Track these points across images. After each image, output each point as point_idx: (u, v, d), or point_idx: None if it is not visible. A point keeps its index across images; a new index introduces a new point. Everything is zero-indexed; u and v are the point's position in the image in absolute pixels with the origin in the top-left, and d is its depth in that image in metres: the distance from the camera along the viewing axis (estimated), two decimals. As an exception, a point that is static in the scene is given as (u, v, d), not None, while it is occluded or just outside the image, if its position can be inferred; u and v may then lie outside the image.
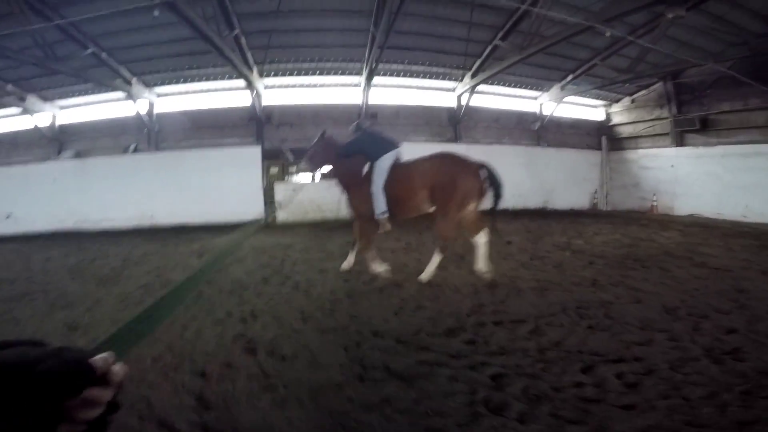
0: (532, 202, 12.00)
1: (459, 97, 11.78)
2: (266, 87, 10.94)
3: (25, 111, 10.75)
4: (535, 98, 12.88)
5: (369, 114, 11.19)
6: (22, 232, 10.91)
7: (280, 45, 9.38)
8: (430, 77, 11.44)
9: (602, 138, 13.57)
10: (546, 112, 12.96)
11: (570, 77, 11.58)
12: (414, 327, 3.19)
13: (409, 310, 3.54)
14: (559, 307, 3.53)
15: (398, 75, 11.22)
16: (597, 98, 13.30)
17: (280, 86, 11.22)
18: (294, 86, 11.32)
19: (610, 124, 13.76)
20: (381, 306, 3.62)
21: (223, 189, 10.13)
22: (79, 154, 11.23)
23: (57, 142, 11.41)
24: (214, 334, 3.11)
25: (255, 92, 10.35)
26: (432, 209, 4.30)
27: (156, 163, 10.61)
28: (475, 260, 4.37)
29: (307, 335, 3.06)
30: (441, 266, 4.66)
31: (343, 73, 10.96)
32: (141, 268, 5.57)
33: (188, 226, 9.95)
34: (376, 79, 10.87)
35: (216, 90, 11.11)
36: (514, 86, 12.28)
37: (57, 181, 10.89)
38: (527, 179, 11.98)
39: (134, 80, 10.09)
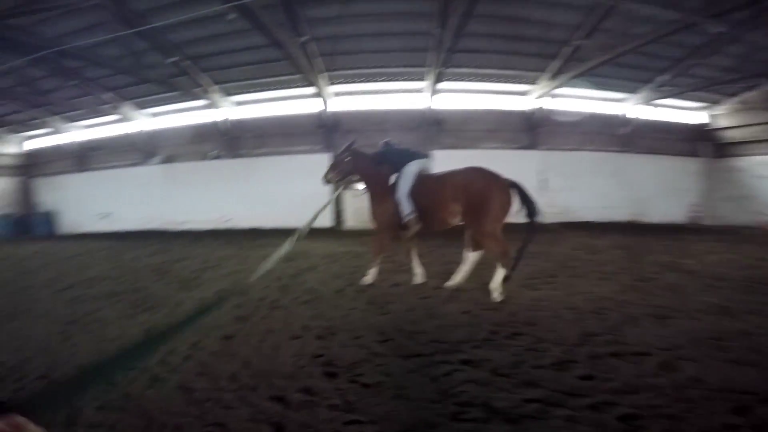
0: (620, 214, 10.78)
1: (535, 100, 10.98)
2: (333, 94, 11.06)
3: (121, 118, 11.88)
4: (621, 101, 11.66)
5: (434, 120, 10.82)
6: (116, 230, 12.10)
7: (345, 51, 9.42)
8: (502, 81, 10.81)
9: (702, 144, 11.89)
10: (634, 115, 11.66)
11: (662, 77, 10.33)
12: (513, 356, 2.73)
13: (503, 337, 3.08)
14: (687, 338, 2.94)
15: (466, 79, 10.74)
16: (694, 100, 11.70)
17: (346, 93, 11.30)
18: (360, 93, 11.34)
19: (712, 128, 12.03)
20: (469, 330, 3.20)
21: (293, 195, 10.36)
22: (165, 160, 12.21)
23: (147, 148, 12.50)
24: (292, 351, 2.90)
25: (323, 99, 10.48)
26: (460, 222, 4.20)
27: (233, 169, 11.19)
28: (458, 272, 4.33)
29: (389, 360, 2.75)
30: (533, 286, 4.32)
31: (407, 79, 10.74)
32: (218, 272, 5.70)
33: (261, 230, 10.29)
34: (443, 84, 10.50)
35: (287, 98, 11.47)
36: (597, 88, 11.20)
37: (146, 184, 11.93)
38: (614, 189, 10.80)
39: (214, 89, 10.73)
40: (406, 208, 4.18)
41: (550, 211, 10.51)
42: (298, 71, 8.77)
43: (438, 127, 10.87)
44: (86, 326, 3.66)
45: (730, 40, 8.04)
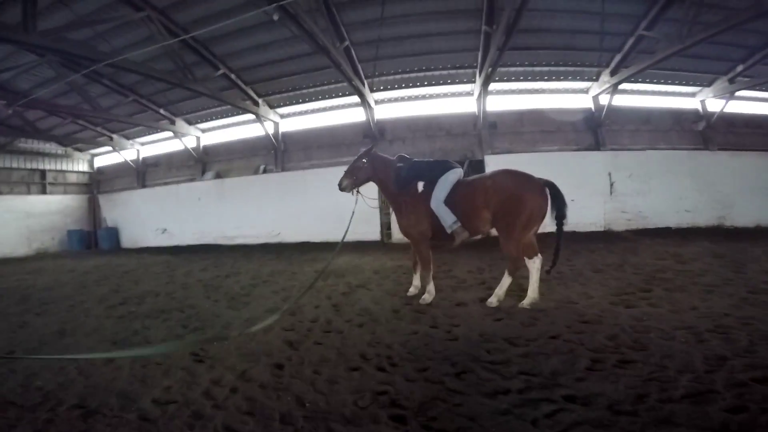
0: (704, 218, 9.44)
1: (596, 97, 10.05)
2: (377, 102, 10.81)
3: (176, 134, 12.37)
4: (694, 94, 10.42)
5: (487, 123, 10.18)
6: (174, 244, 12.51)
7: (387, 55, 9.13)
8: (559, 78, 10.03)
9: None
10: (712, 109, 10.36)
11: (740, 67, 9.13)
12: (630, 389, 2.17)
13: (611, 365, 2.47)
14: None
15: (519, 79, 10.08)
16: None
17: (390, 100, 11.01)
18: (404, 99, 10.99)
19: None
20: (565, 358, 2.60)
21: (340, 207, 10.06)
22: (218, 175, 12.52)
23: (201, 163, 12.94)
24: (351, 386, 2.47)
25: (368, 107, 10.23)
26: (492, 229, 4.05)
27: (282, 182, 11.19)
28: (530, 287, 3.86)
29: (469, 399, 2.23)
30: (627, 302, 3.75)
31: (453, 82, 10.27)
32: (268, 288, 5.48)
33: (310, 244, 10.13)
34: (493, 85, 9.88)
35: (332, 108, 11.39)
36: (666, 82, 10.13)
37: (201, 199, 12.25)
38: (694, 191, 9.50)
39: (260, 101, 10.88)
40: (449, 217, 3.93)
41: (621, 216, 9.53)
42: (342, 79, 8.58)
43: (491, 131, 10.22)
44: (133, 346, 3.51)
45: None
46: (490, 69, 8.53)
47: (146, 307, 4.87)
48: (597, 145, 10.06)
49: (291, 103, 11.28)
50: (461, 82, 10.18)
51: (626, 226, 9.47)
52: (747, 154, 10.12)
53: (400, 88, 10.51)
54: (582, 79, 10.00)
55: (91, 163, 15.38)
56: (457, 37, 8.70)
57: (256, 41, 8.72)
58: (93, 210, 14.68)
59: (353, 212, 4.60)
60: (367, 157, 4.45)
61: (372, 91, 10.26)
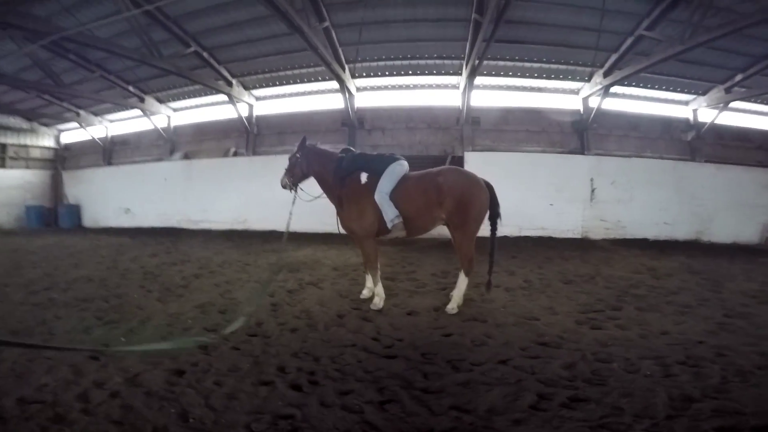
0: (682, 232, 9.24)
1: (586, 99, 9.70)
2: (359, 89, 10.27)
3: (144, 112, 11.69)
4: (687, 102, 10.17)
5: (470, 118, 9.77)
6: (136, 225, 11.86)
7: (371, 40, 8.61)
8: (549, 77, 9.64)
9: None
10: (703, 119, 10.13)
11: (740, 77, 8.85)
12: None
13: (559, 403, 2.05)
14: None
15: (507, 74, 9.65)
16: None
17: (372, 88, 10.48)
18: (387, 87, 10.47)
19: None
20: (505, 391, 2.16)
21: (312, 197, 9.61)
22: (187, 156, 11.85)
23: (170, 143, 12.23)
24: (252, 404, 2.07)
25: (347, 94, 9.70)
26: (438, 225, 3.93)
27: (251, 167, 10.61)
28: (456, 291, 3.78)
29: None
30: (594, 323, 3.33)
31: (439, 73, 9.78)
32: (210, 280, 4.99)
33: (276, 233, 9.57)
34: (480, 79, 9.47)
35: (310, 93, 10.81)
36: (660, 88, 9.83)
37: (167, 180, 11.60)
38: (676, 203, 9.27)
39: (234, 82, 10.26)
40: (390, 211, 3.66)
41: (600, 225, 9.26)
42: (321, 62, 8.03)
43: (474, 127, 9.81)
44: (31, 337, 3.10)
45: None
46: (477, 61, 8.10)
47: (71, 294, 4.40)
48: (582, 149, 9.73)
49: (267, 86, 10.65)
50: (447, 73, 9.71)
51: (604, 234, 9.21)
52: (732, 168, 9.94)
53: (383, 75, 9.99)
54: (574, 79, 9.62)
55: (57, 139, 14.48)
56: (445, 25, 8.22)
57: (230, 19, 8.10)
58: (56, 186, 13.85)
59: (290, 213, 4.19)
60: (300, 151, 4.18)
61: (354, 77, 9.73)
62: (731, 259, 7.00)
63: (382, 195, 3.69)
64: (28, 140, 13.73)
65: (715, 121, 9.95)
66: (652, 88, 9.80)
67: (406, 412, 2.01)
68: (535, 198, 9.18)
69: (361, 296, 4.12)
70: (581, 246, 8.14)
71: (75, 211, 13.06)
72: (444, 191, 3.68)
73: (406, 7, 7.84)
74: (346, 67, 9.24)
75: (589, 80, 9.37)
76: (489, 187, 3.86)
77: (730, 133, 10.38)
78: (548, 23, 8.00)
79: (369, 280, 4.11)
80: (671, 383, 2.27)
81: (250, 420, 1.94)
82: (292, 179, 4.18)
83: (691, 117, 10.20)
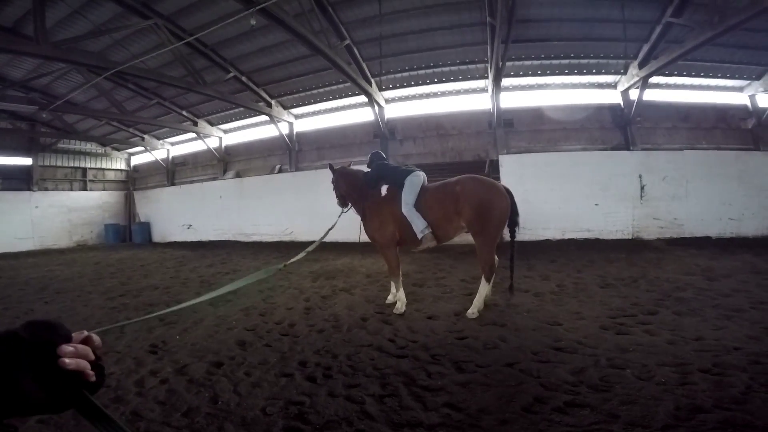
0: (751, 228, 8.35)
1: (626, 92, 9.20)
2: (387, 101, 10.62)
3: (198, 135, 12.94)
4: (741, 88, 9.27)
5: (503, 121, 9.64)
6: (197, 239, 13.02)
7: (392, 53, 8.92)
8: (581, 72, 9.29)
9: None
10: (763, 104, 9.18)
11: None
12: None
13: (552, 407, 2.09)
14: None
15: (535, 73, 9.45)
16: None
17: (399, 99, 10.76)
18: (414, 97, 10.69)
19: None
20: (502, 392, 2.26)
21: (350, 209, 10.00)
22: (238, 174, 12.87)
23: (223, 162, 13.39)
24: (271, 391, 2.43)
25: (377, 107, 10.04)
26: (461, 233, 4.04)
27: (295, 182, 11.28)
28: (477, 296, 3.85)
29: (373, 428, 2.02)
30: (619, 328, 3.23)
31: (464, 78, 9.84)
32: (255, 287, 5.36)
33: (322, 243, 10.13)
34: (507, 81, 9.38)
35: (343, 108, 11.34)
36: (706, 75, 9.08)
37: (222, 198, 12.62)
38: (741, 196, 8.43)
39: (273, 102, 11.04)
40: (419, 223, 3.83)
41: (653, 224, 8.68)
42: (348, 79, 8.41)
43: (507, 129, 9.67)
44: (106, 334, 3.62)
45: None
46: (500, 62, 8.02)
47: (139, 300, 5.09)
48: (626, 144, 9.20)
49: (304, 104, 11.35)
50: (473, 78, 9.73)
51: (658, 234, 8.59)
52: (808, 155, 8.89)
53: (408, 86, 10.24)
54: (608, 73, 9.19)
55: (128, 162, 16.42)
56: (462, 31, 8.32)
57: (259, 44, 8.82)
58: (128, 205, 15.63)
59: (333, 225, 4.49)
60: (333, 175, 4.65)
61: (381, 89, 10.08)
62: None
63: (408, 207, 3.88)
64: (103, 164, 15.73)
65: (780, 106, 9.00)
66: (698, 75, 9.07)
67: (402, 405, 2.20)
68: (579, 198, 8.78)
69: (386, 301, 4.34)
70: (630, 247, 7.68)
71: (146, 227, 14.60)
72: (461, 200, 3.78)
73: (421, 18, 8.06)
74: (372, 81, 9.58)
75: (625, 72, 8.90)
76: (509, 194, 3.91)
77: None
78: (565, 18, 7.86)
79: (393, 286, 4.31)
80: (684, 392, 2.17)
81: (266, 404, 2.28)
82: (339, 200, 4.66)
83: (749, 103, 9.29)
